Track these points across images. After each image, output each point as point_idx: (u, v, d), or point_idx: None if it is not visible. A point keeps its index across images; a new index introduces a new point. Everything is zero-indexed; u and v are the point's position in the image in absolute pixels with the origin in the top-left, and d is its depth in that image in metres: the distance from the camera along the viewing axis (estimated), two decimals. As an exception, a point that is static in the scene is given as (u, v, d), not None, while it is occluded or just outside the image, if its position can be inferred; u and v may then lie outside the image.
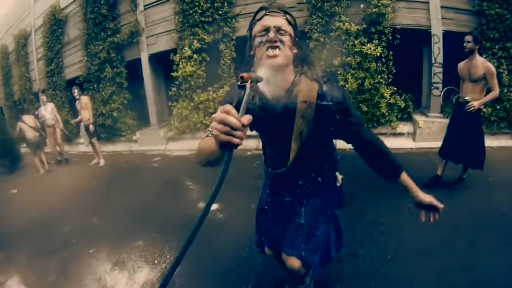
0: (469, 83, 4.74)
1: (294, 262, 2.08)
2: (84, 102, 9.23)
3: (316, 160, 2.07)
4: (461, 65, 4.90)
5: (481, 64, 4.55)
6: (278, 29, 1.56)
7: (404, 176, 1.94)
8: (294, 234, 2.12)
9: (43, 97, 10.49)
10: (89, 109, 9.35)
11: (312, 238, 2.12)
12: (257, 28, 1.62)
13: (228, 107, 0.98)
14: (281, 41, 1.55)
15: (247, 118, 0.99)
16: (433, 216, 1.94)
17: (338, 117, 1.73)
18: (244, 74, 1.10)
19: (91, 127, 9.33)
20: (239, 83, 1.11)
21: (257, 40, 1.60)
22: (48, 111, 10.28)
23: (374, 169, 1.98)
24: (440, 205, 1.88)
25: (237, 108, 1.06)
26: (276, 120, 1.75)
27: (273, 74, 1.53)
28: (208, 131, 1.52)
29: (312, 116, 1.73)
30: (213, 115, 1.01)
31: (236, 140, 0.98)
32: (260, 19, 1.63)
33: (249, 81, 1.10)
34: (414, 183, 1.95)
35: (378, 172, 1.97)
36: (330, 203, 2.24)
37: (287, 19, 1.62)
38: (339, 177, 2.27)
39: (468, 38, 4.57)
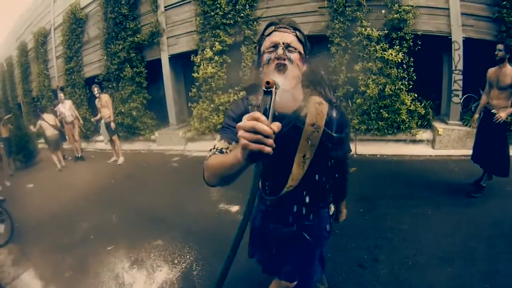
0: (497, 90, 4.79)
1: (291, 285, 2.15)
2: (104, 100, 9.35)
3: (316, 187, 1.92)
4: (491, 71, 4.93)
5: (510, 72, 4.58)
6: (287, 46, 1.53)
7: (343, 203, 2.43)
8: (291, 264, 2.10)
9: (61, 95, 10.63)
10: (110, 107, 9.47)
11: (309, 268, 2.14)
12: (265, 43, 1.59)
13: (258, 114, 0.95)
14: (290, 59, 1.52)
15: (276, 125, 0.98)
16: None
17: (332, 145, 1.75)
18: (270, 80, 1.02)
19: (112, 125, 9.46)
20: (264, 88, 1.01)
21: (265, 56, 1.56)
22: (66, 108, 10.45)
23: (334, 193, 2.20)
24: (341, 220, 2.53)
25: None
26: (280, 141, 1.45)
27: (280, 93, 1.51)
28: (214, 148, 1.53)
29: (318, 140, 1.69)
30: (240, 124, 0.96)
31: (268, 149, 0.94)
32: (269, 34, 1.59)
33: (274, 87, 1.03)
34: (344, 208, 2.47)
35: (335, 196, 2.24)
36: (324, 233, 2.12)
37: (296, 36, 1.59)
38: (332, 207, 2.19)
39: (500, 46, 4.62)
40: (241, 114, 1.59)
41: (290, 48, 1.53)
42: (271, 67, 1.52)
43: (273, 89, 1.02)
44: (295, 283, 2.13)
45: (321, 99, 1.71)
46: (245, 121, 0.95)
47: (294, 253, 2.05)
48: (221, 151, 1.52)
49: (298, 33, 1.59)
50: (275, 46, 1.53)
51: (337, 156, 1.85)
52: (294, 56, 1.53)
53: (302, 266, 2.11)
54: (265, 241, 2.12)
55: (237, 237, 1.10)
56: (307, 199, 1.88)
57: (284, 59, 1.50)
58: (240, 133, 0.96)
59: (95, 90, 9.38)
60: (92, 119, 10.04)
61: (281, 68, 1.50)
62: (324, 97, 1.73)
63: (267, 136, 0.93)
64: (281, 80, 1.20)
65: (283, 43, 1.52)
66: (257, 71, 1.68)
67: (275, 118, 1.31)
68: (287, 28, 1.57)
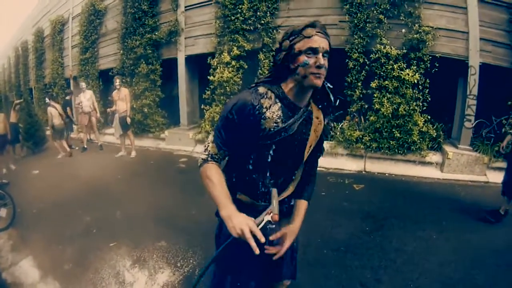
0: None
1: (286, 283, 2.22)
2: (123, 94, 9.46)
3: (301, 181, 2.01)
4: None
5: None
6: (325, 52, 1.60)
7: (304, 205, 2.02)
8: (289, 260, 2.14)
9: (82, 84, 10.82)
10: (128, 101, 9.56)
11: (294, 262, 2.21)
12: (304, 44, 1.60)
13: (258, 233, 1.38)
14: (326, 68, 1.62)
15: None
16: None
17: (323, 137, 1.91)
18: (277, 217, 1.46)
19: (128, 120, 9.57)
20: (272, 221, 1.48)
21: (303, 59, 1.60)
22: (86, 98, 10.60)
23: (299, 190, 2.02)
24: (272, 250, 1.82)
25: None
26: (295, 131, 1.75)
27: (304, 92, 1.72)
28: (208, 153, 1.76)
29: (321, 131, 1.86)
30: (244, 231, 1.36)
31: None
32: (309, 36, 1.60)
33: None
34: (302, 216, 2.00)
35: (300, 193, 2.03)
36: None
37: (329, 42, 1.65)
38: None
39: None
40: (247, 113, 1.67)
41: (325, 55, 1.61)
42: (307, 71, 1.59)
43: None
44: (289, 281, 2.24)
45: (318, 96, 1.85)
46: (247, 232, 1.36)
47: (288, 253, 2.05)
48: (212, 157, 1.75)
49: (328, 39, 1.65)
50: (316, 51, 1.57)
51: (321, 152, 2.02)
52: (326, 63, 1.63)
53: (294, 264, 2.20)
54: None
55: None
56: (292, 195, 1.96)
57: (323, 67, 1.58)
58: (239, 232, 1.39)
59: (117, 81, 9.50)
60: (108, 110, 10.05)
61: (319, 78, 1.60)
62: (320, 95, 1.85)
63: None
64: (314, 86, 1.62)
65: (323, 49, 1.58)
66: (284, 66, 1.71)
67: (290, 114, 1.74)
68: (324, 34, 1.62)
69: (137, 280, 3.81)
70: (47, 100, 10.76)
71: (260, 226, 1.40)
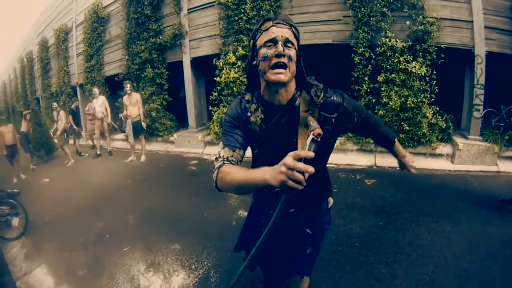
0: None
1: (306, 282, 2.26)
2: (135, 99, 9.51)
3: (317, 179, 1.92)
4: None
5: None
6: (286, 41, 1.55)
7: (396, 145, 2.21)
8: (304, 257, 2.14)
9: (95, 90, 10.95)
10: (140, 106, 9.62)
11: (314, 256, 2.18)
12: (263, 38, 1.59)
13: (303, 153, 1.16)
14: (289, 57, 1.55)
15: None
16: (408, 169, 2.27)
17: (341, 123, 1.82)
18: (321, 132, 1.26)
19: (143, 124, 9.70)
20: (315, 137, 1.25)
21: (262, 52, 1.58)
22: (99, 104, 10.75)
23: (374, 140, 2.26)
24: (412, 171, 2.24)
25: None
26: (280, 130, 1.74)
27: (275, 89, 1.65)
28: (221, 158, 1.67)
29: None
30: (287, 162, 1.15)
31: (301, 187, 1.16)
32: (266, 29, 1.59)
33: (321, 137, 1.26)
34: (402, 148, 2.25)
35: (379, 142, 2.24)
36: (325, 226, 2.22)
37: (293, 32, 1.60)
38: (331, 200, 2.29)
39: None
40: (238, 117, 1.77)
41: (288, 44, 1.56)
42: (268, 65, 1.56)
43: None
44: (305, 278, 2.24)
45: (310, 91, 1.73)
46: (292, 161, 1.15)
47: (298, 247, 2.12)
48: (228, 160, 1.65)
49: (294, 29, 1.61)
50: (274, 41, 1.54)
51: (360, 117, 1.90)
52: (292, 52, 1.57)
53: (305, 260, 2.16)
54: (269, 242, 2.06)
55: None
56: (308, 192, 1.82)
57: (284, 56, 1.53)
58: (283, 169, 1.16)
59: (128, 86, 9.50)
60: (120, 115, 10.11)
61: (280, 68, 1.54)
62: (312, 87, 1.76)
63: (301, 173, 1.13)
64: (277, 81, 1.56)
65: (282, 37, 1.54)
66: (251, 66, 1.71)
67: (271, 114, 1.74)
68: (285, 24, 1.59)
69: (152, 284, 3.83)
70: (54, 105, 11.00)
71: (306, 148, 1.25)
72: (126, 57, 12.37)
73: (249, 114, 1.76)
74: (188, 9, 10.81)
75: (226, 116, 1.82)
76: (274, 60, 1.53)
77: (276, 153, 1.57)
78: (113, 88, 13.55)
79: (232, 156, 1.68)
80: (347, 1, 8.22)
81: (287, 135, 1.70)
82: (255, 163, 1.98)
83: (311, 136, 1.27)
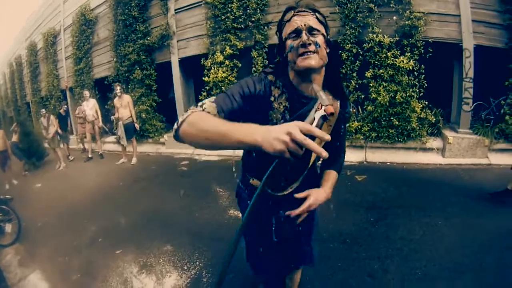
0: None
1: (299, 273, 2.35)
2: (126, 101, 9.46)
3: (314, 176, 1.98)
4: None
5: None
6: (310, 30, 1.47)
7: (333, 174, 1.95)
8: (306, 248, 2.19)
9: (86, 93, 10.89)
10: (131, 108, 9.59)
11: (308, 253, 2.23)
12: (287, 29, 1.53)
13: (311, 127, 1.01)
14: (316, 43, 1.45)
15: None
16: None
17: (343, 125, 1.83)
18: (334, 111, 1.19)
19: (137, 126, 9.74)
20: (327, 115, 1.16)
21: (289, 44, 1.51)
22: (89, 107, 10.71)
23: (324, 167, 2.01)
24: (294, 212, 1.70)
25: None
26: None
27: (305, 80, 1.56)
28: (201, 107, 1.41)
29: (334, 122, 1.72)
30: (296, 134, 0.97)
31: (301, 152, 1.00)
32: (289, 20, 1.52)
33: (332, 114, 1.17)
34: (332, 184, 1.92)
35: (327, 165, 2.00)
36: (316, 219, 2.22)
37: (317, 18, 1.52)
38: None
39: None
40: (257, 95, 1.59)
41: (313, 32, 1.48)
42: (294, 55, 1.49)
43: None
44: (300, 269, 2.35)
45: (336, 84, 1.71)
46: (301, 136, 0.97)
47: (294, 244, 2.11)
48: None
49: (318, 14, 1.53)
50: (298, 31, 1.47)
51: (343, 140, 1.94)
52: (319, 39, 1.48)
53: (300, 255, 2.19)
54: (267, 241, 2.06)
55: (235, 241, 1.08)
56: (303, 188, 1.81)
57: (310, 44, 1.45)
58: (287, 139, 0.98)
59: (118, 88, 9.44)
60: (112, 117, 10.05)
61: (308, 54, 1.45)
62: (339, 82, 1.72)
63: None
64: (306, 66, 1.46)
65: (305, 25, 1.46)
66: (282, 58, 1.62)
67: (297, 104, 1.63)
68: (307, 11, 1.51)
69: (145, 285, 3.83)
70: (42, 111, 10.97)
71: (314, 124, 1.14)
72: (115, 59, 12.29)
73: (272, 98, 1.61)
74: (175, 10, 10.75)
75: (241, 81, 1.63)
76: (301, 50, 1.45)
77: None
78: (103, 91, 13.46)
79: (214, 115, 1.40)
80: (334, -2, 8.21)
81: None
82: (248, 161, 1.97)
83: (321, 111, 1.17)
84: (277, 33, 1.64)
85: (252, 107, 1.56)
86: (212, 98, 1.49)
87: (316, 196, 1.74)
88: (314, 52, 1.45)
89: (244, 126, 1.14)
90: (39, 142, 12.18)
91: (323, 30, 1.52)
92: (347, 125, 8.00)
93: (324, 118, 1.16)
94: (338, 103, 1.72)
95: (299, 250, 2.17)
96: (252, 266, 2.32)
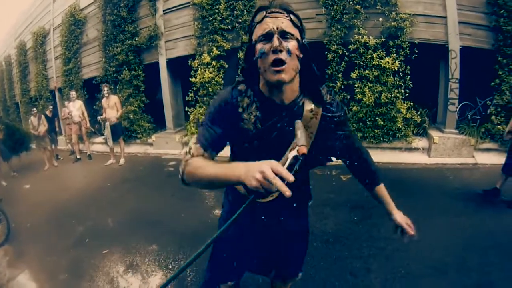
0: None
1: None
2: (113, 102, 9.43)
3: (305, 182, 1.91)
4: None
5: None
6: (283, 34, 1.34)
7: (382, 188, 1.92)
8: (293, 259, 2.10)
9: (73, 93, 10.81)
10: (119, 108, 9.58)
11: (303, 255, 2.16)
12: (257, 31, 1.39)
13: (283, 171, 1.02)
14: (288, 51, 1.34)
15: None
16: (404, 237, 1.87)
17: (336, 130, 1.67)
18: (305, 151, 1.15)
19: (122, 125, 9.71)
20: (298, 156, 1.15)
21: (259, 48, 1.37)
22: (76, 107, 10.60)
23: (357, 176, 1.96)
24: (411, 232, 1.82)
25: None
26: (277, 134, 1.54)
27: (277, 88, 1.46)
28: (190, 154, 1.46)
29: (316, 127, 1.57)
30: (264, 171, 1.02)
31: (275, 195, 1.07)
32: (260, 21, 1.39)
33: (303, 156, 1.14)
34: (390, 198, 1.93)
35: (360, 179, 1.95)
36: (308, 228, 2.12)
37: (291, 20, 1.39)
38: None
39: None
40: (225, 111, 1.54)
41: (286, 36, 1.36)
42: (267, 63, 1.36)
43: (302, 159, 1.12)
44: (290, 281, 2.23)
45: (317, 87, 1.56)
46: (272, 175, 1.01)
47: (284, 251, 2.01)
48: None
49: (293, 16, 1.40)
50: (269, 35, 1.34)
51: (348, 138, 1.76)
52: (292, 45, 1.36)
53: (293, 263, 2.13)
54: (251, 243, 1.96)
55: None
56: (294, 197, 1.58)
57: (281, 50, 1.32)
58: (259, 177, 1.03)
59: (105, 89, 9.42)
60: (98, 118, 10.01)
61: (278, 65, 1.34)
62: (319, 85, 1.57)
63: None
64: (278, 82, 1.36)
65: (277, 28, 1.34)
66: (252, 63, 1.47)
67: (270, 113, 1.53)
68: (280, 12, 1.38)
69: (131, 284, 3.85)
70: (34, 110, 10.83)
71: (286, 165, 1.13)
72: (103, 59, 12.20)
73: (240, 110, 1.53)
74: (164, 10, 10.73)
75: (210, 106, 1.58)
76: (272, 57, 1.33)
77: (276, 154, 1.46)
78: (91, 91, 13.40)
79: (202, 156, 1.48)
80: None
81: (285, 143, 1.52)
82: None
83: (294, 152, 1.18)
84: (247, 34, 1.54)
85: (226, 126, 1.55)
86: (195, 138, 1.53)
87: (402, 220, 1.86)
88: (285, 63, 1.34)
89: (228, 167, 1.23)
90: (25, 135, 12.02)
91: (297, 34, 1.41)
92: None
93: (295, 158, 1.15)
94: (320, 109, 1.57)
95: (283, 259, 2.08)
96: (210, 273, 2.14)
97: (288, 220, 1.86)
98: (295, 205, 1.83)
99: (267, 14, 1.37)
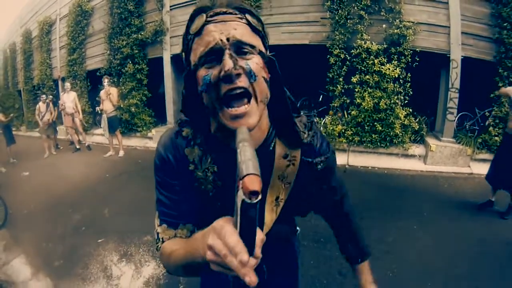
0: None
1: None
2: (112, 94, 9.54)
3: (288, 223, 1.50)
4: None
5: None
6: (238, 46, 0.86)
7: (365, 266, 1.53)
8: None
9: (67, 84, 10.84)
10: (115, 101, 9.72)
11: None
12: (197, 49, 0.89)
13: (233, 240, 0.62)
14: (250, 74, 0.85)
15: (259, 246, 0.65)
16: None
17: (318, 181, 1.23)
18: (258, 189, 0.56)
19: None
20: (246, 199, 0.57)
21: (201, 75, 0.87)
22: (70, 99, 10.62)
23: (341, 246, 1.57)
24: None
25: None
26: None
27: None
28: (160, 240, 1.12)
29: (294, 176, 1.14)
30: (213, 244, 0.65)
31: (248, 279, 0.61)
32: (199, 32, 0.89)
33: (260, 197, 0.58)
34: (371, 276, 1.53)
35: (344, 250, 1.54)
36: (297, 263, 1.74)
37: (249, 23, 0.90)
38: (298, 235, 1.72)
39: None
40: (172, 170, 1.10)
41: (244, 49, 0.87)
42: (216, 99, 0.87)
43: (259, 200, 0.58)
44: None
45: (293, 120, 1.08)
46: (216, 242, 0.66)
47: None
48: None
49: (250, 17, 0.92)
50: (215, 51, 0.85)
51: (336, 194, 1.38)
52: (255, 63, 0.87)
53: None
54: None
55: None
56: (277, 240, 1.26)
57: (238, 75, 0.84)
58: (209, 255, 0.67)
59: (106, 81, 9.55)
60: (97, 109, 10.08)
61: (240, 113, 0.85)
62: (295, 115, 1.11)
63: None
64: (242, 130, 0.75)
65: (228, 41, 0.85)
66: (191, 92, 0.97)
67: (228, 163, 1.00)
68: (231, 13, 0.89)
69: (124, 273, 3.94)
70: (43, 97, 11.13)
71: (238, 220, 0.61)
72: (108, 51, 12.27)
73: (192, 166, 1.08)
74: (170, 6, 10.80)
75: (154, 165, 1.14)
76: (224, 89, 0.84)
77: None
78: (94, 83, 13.46)
79: (174, 236, 1.09)
80: (325, 3, 8.31)
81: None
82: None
83: (240, 192, 0.58)
84: (182, 53, 1.01)
85: (183, 183, 1.11)
86: (157, 218, 1.17)
87: None
88: (248, 95, 0.86)
89: (191, 243, 0.88)
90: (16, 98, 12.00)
91: (260, 45, 0.93)
92: (331, 128, 8.47)
93: (244, 204, 0.58)
94: (299, 152, 1.13)
95: None
96: None
97: (270, 261, 1.24)
98: (276, 244, 1.26)
99: (208, 19, 0.88)
